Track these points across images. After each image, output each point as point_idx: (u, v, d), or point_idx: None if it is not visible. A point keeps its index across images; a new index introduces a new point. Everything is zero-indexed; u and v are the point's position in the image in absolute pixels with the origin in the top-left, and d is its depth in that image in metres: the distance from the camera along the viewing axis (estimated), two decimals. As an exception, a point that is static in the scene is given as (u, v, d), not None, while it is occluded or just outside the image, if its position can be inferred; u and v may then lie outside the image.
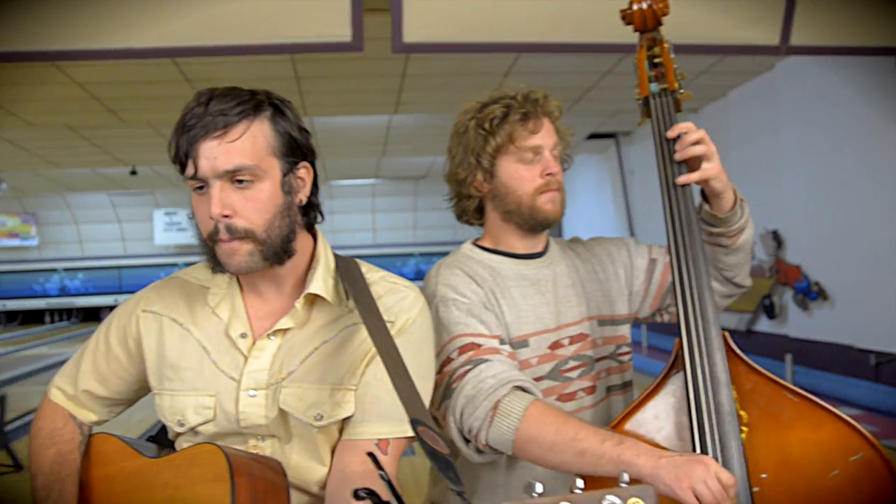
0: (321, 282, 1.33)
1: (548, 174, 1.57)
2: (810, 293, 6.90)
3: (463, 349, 1.49)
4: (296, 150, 1.28)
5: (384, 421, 1.29)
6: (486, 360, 1.47)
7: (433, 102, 7.67)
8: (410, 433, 1.26)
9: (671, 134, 1.52)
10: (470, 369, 1.46)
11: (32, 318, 16.66)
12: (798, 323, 7.15)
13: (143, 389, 1.45)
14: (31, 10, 2.75)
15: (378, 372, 1.28)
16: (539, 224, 1.61)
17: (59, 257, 16.34)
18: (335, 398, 1.31)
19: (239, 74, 6.13)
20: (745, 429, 1.35)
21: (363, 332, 1.30)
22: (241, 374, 1.32)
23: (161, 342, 1.37)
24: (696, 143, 1.48)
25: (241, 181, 1.23)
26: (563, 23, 2.92)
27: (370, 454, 1.07)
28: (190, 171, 1.22)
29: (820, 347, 6.78)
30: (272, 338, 1.33)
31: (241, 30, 2.66)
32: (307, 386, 1.31)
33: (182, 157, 1.23)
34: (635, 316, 1.73)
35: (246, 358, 1.33)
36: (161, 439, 1.48)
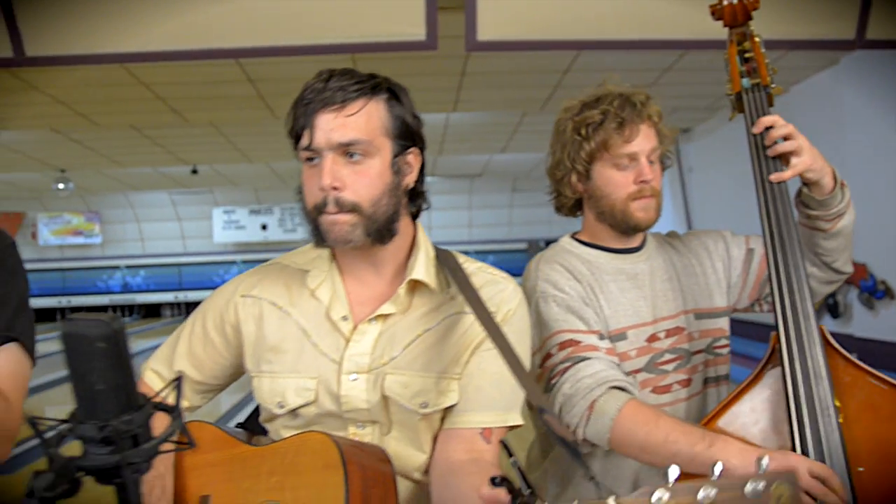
0: (423, 268, 1.35)
1: (641, 181, 1.59)
2: (876, 292, 6.72)
3: (563, 345, 1.52)
4: (408, 134, 1.32)
5: (488, 410, 1.31)
6: (585, 359, 1.49)
7: (491, 100, 7.67)
8: (513, 422, 1.32)
9: (756, 129, 1.52)
10: (569, 367, 1.49)
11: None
12: (863, 322, 6.97)
13: (235, 375, 1.48)
14: (100, 14, 2.82)
15: (482, 362, 1.31)
16: (630, 229, 1.64)
17: (122, 255, 16.72)
18: (440, 386, 1.33)
19: (301, 73, 6.13)
20: (842, 422, 1.35)
21: (466, 322, 1.33)
22: (343, 356, 1.34)
23: (261, 326, 1.39)
24: (785, 138, 1.47)
25: (352, 155, 1.26)
26: (627, 19, 2.89)
27: (502, 442, 1.11)
28: (305, 141, 1.26)
29: (886, 347, 6.60)
30: (373, 322, 1.35)
31: (310, 30, 2.70)
32: (412, 374, 1.32)
33: (298, 129, 1.27)
34: (734, 307, 1.73)
35: (347, 341, 1.35)
36: (251, 426, 1.50)
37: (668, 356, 1.62)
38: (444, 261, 1.39)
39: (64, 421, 0.67)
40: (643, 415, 1.42)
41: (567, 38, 2.70)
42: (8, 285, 1.38)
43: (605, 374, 1.47)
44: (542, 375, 1.54)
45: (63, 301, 16.32)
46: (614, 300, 1.61)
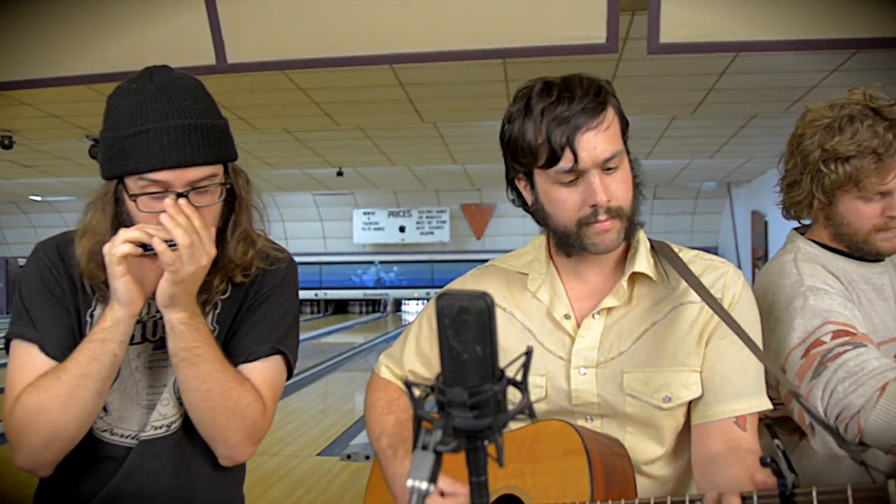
0: (644, 260, 1.37)
1: (888, 216, 1.49)
2: None
3: (837, 334, 1.42)
4: (626, 134, 1.35)
5: (739, 398, 1.30)
6: (865, 346, 1.39)
7: (640, 104, 7.50)
8: (765, 406, 1.31)
9: None
10: (849, 349, 1.38)
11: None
12: None
13: None
14: (262, 23, 2.94)
15: (721, 350, 1.31)
16: (870, 255, 1.55)
17: (268, 253, 17.48)
18: (680, 380, 1.33)
19: (449, 77, 6.29)
20: None
21: (692, 311, 1.34)
22: (570, 352, 1.37)
23: None
24: None
25: (609, 169, 1.28)
26: (793, 17, 2.75)
27: (767, 425, 1.16)
28: (567, 163, 1.26)
29: None
30: (597, 317, 1.37)
31: (475, 33, 2.71)
32: (651, 370, 1.34)
33: (557, 150, 1.26)
34: None
35: (573, 338, 1.37)
36: None
37: None
38: (661, 250, 1.40)
39: (431, 386, 0.74)
40: None
41: (744, 38, 2.59)
42: (289, 302, 1.51)
43: (891, 363, 1.37)
44: (807, 364, 1.43)
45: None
46: (865, 313, 1.52)
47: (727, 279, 1.36)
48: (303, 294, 16.83)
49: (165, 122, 1.27)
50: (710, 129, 8.97)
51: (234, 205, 1.44)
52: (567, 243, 1.34)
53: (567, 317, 1.39)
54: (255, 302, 1.48)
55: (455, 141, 9.76)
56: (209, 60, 2.52)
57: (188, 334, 1.31)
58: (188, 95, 1.31)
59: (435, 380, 0.74)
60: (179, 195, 1.29)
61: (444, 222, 16.40)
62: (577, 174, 1.28)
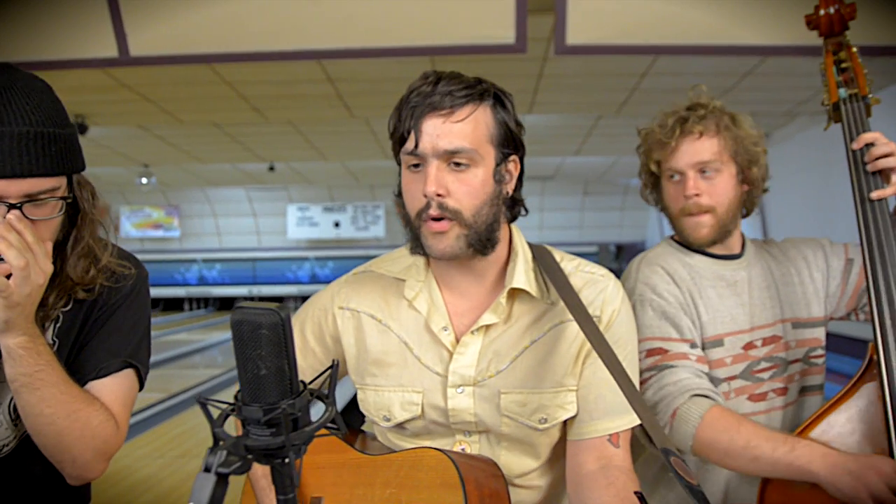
0: (523, 275, 1.32)
1: (686, 196, 1.62)
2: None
3: (651, 352, 1.53)
4: (510, 141, 1.29)
5: (612, 416, 1.30)
6: (671, 367, 1.50)
7: (567, 103, 7.63)
8: (637, 421, 1.30)
9: (856, 146, 1.50)
10: (654, 375, 1.51)
11: (173, 305, 17.52)
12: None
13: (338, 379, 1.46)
14: (187, 15, 2.90)
15: (597, 368, 1.30)
16: (692, 243, 1.67)
17: (199, 248, 17.20)
18: (557, 400, 1.31)
19: (379, 73, 6.28)
20: None
21: (572, 329, 1.31)
22: (447, 369, 1.32)
23: (361, 339, 1.38)
24: (886, 156, 1.46)
25: (458, 164, 1.23)
26: (710, 23, 2.84)
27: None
28: (410, 145, 1.23)
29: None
30: (476, 333, 1.32)
31: (393, 32, 2.72)
32: (528, 391, 1.31)
33: (404, 132, 1.24)
34: (831, 317, 1.72)
35: (451, 353, 1.33)
36: (350, 414, 1.51)
37: (764, 364, 1.61)
38: (542, 261, 1.35)
39: (230, 404, 0.71)
40: (725, 420, 1.42)
41: (654, 42, 2.67)
42: (138, 314, 1.44)
43: (689, 382, 1.48)
44: None
45: (142, 292, 16.86)
46: (713, 307, 1.61)
47: (606, 294, 1.34)
48: (237, 290, 16.86)
49: (0, 128, 1.17)
50: (636, 127, 9.15)
51: (76, 218, 1.35)
52: (415, 239, 1.28)
53: (445, 329, 1.33)
54: (101, 316, 1.41)
55: (388, 137, 9.74)
56: (111, 52, 2.48)
57: (28, 359, 1.23)
58: (30, 100, 1.21)
59: (234, 398, 0.72)
60: (12, 206, 1.20)
61: (380, 217, 16.35)
62: (419, 159, 1.24)
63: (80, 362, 1.38)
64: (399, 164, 1.31)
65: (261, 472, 1.37)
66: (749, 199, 1.67)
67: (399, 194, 1.31)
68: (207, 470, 0.68)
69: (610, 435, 1.30)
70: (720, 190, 1.59)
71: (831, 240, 1.75)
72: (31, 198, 1.22)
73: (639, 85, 6.68)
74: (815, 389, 1.67)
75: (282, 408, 0.68)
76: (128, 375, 1.40)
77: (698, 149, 1.58)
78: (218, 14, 2.93)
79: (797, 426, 1.46)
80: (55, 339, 1.38)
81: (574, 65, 6.16)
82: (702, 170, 1.58)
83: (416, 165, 1.25)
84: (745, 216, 1.68)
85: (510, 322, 1.33)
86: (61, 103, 1.28)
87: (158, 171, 12.43)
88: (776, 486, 1.39)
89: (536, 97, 7.25)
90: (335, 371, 0.74)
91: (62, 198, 1.27)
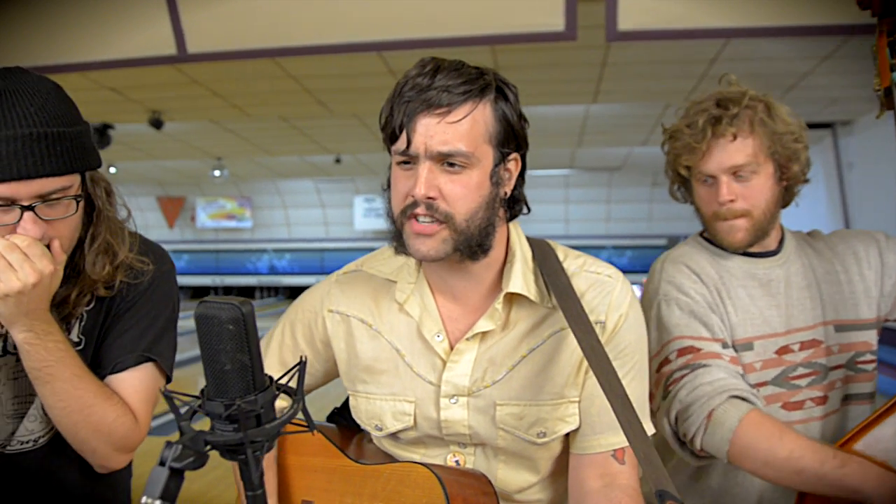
0: (521, 279, 1.23)
1: (719, 202, 1.53)
2: None
3: (682, 352, 1.45)
4: (511, 139, 1.20)
5: (616, 430, 1.17)
6: (705, 366, 1.41)
7: (633, 91, 7.49)
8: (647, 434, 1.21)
9: None
10: (687, 374, 1.42)
11: (245, 293, 17.76)
12: None
13: (329, 380, 1.42)
14: (250, 10, 2.95)
15: None
16: (724, 248, 1.59)
17: (270, 238, 17.55)
18: (557, 413, 1.23)
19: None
20: None
21: (573, 337, 1.20)
22: (441, 378, 1.24)
23: (351, 344, 1.32)
24: None
25: (452, 165, 1.14)
26: (779, 4, 2.74)
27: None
28: (401, 144, 1.14)
29: None
30: (471, 341, 1.24)
31: (449, 22, 2.72)
32: (526, 403, 1.23)
33: (396, 128, 1.15)
34: (886, 318, 1.58)
35: (444, 362, 1.25)
36: (341, 415, 1.47)
37: (801, 370, 1.50)
38: (543, 261, 1.26)
39: (195, 397, 0.70)
40: (766, 427, 1.33)
41: (712, 25, 2.59)
42: (158, 308, 1.44)
43: (726, 382, 1.39)
44: (658, 381, 1.47)
45: (217, 280, 17.33)
46: (742, 307, 1.51)
47: (613, 298, 1.23)
48: (306, 280, 17.13)
49: (4, 132, 1.17)
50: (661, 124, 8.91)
51: (93, 216, 1.36)
52: (398, 238, 1.19)
53: (438, 336, 1.25)
54: (119, 311, 1.41)
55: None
56: (171, 51, 2.54)
57: (34, 354, 1.25)
58: (34, 102, 1.20)
59: (200, 393, 0.71)
60: (26, 208, 1.21)
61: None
62: (410, 158, 1.14)
63: (99, 358, 1.41)
64: (390, 154, 1.22)
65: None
66: (788, 194, 1.56)
67: (388, 187, 1.23)
68: (162, 464, 0.68)
69: (614, 450, 1.21)
70: (756, 192, 1.49)
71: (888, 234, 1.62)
72: (43, 198, 1.23)
73: (707, 72, 6.51)
74: (863, 398, 1.54)
75: (237, 404, 0.67)
76: (147, 369, 1.40)
77: (731, 152, 1.47)
78: (274, 8, 2.98)
79: (840, 438, 1.35)
80: (81, 336, 1.40)
81: (638, 52, 6.04)
82: (736, 173, 1.48)
83: (406, 162, 1.16)
84: (784, 207, 1.57)
85: (507, 329, 1.24)
86: (71, 103, 1.28)
87: (230, 163, 12.71)
88: (814, 500, 1.30)
89: (601, 86, 7.14)
90: (303, 368, 0.72)
91: (74, 196, 1.27)
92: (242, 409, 0.67)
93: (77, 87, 6.48)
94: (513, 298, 1.24)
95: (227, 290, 18.47)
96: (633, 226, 15.70)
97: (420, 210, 1.14)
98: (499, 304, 1.22)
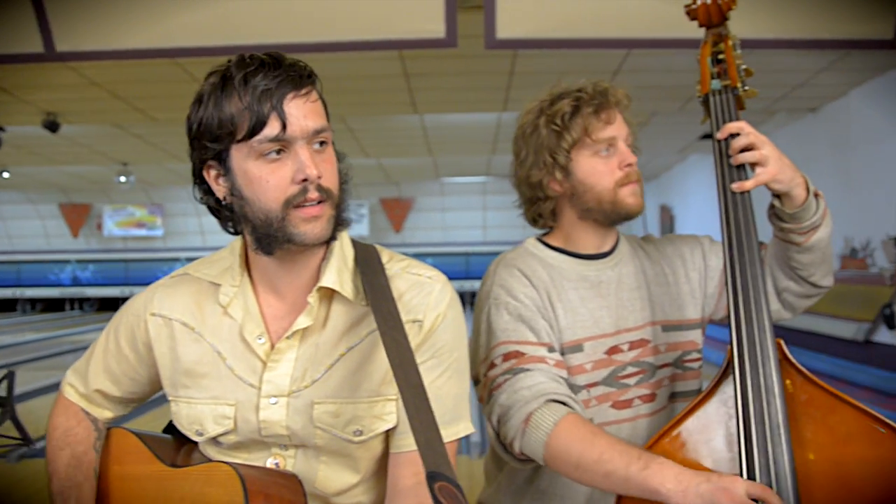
0: (335, 274, 1.23)
1: (626, 165, 1.51)
2: (936, 302, 6.45)
3: (507, 356, 1.45)
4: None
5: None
6: (527, 370, 1.42)
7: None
8: (463, 433, 1.24)
9: (720, 135, 1.44)
10: (509, 378, 1.42)
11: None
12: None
13: (156, 386, 1.39)
14: (152, 10, 2.89)
15: None
16: (622, 218, 1.55)
17: (183, 247, 17.15)
18: (374, 411, 1.23)
19: (347, 71, 6.25)
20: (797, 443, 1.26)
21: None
22: (261, 380, 1.24)
23: (173, 348, 1.30)
24: (748, 147, 1.39)
25: (322, 143, 1.16)
26: (674, 18, 2.84)
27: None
28: (273, 130, 1.12)
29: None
30: (291, 340, 1.24)
31: (338, 26, 2.72)
32: (342, 401, 1.22)
33: (263, 115, 1.12)
34: (709, 319, 1.63)
35: (264, 363, 1.24)
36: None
37: (630, 369, 1.52)
38: (365, 264, 1.27)
39: None
40: (579, 431, 1.32)
41: (595, 36, 2.66)
42: None
43: (545, 386, 1.39)
44: (484, 385, 1.47)
45: (126, 291, 16.83)
46: (572, 309, 1.52)
47: (432, 298, 1.25)
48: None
49: None
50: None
51: None
52: (269, 234, 1.17)
53: (260, 338, 1.24)
54: None
55: (365, 135, 9.74)
56: (36, 48, 2.46)
57: None
58: None
59: None
60: None
61: (364, 215, 16.35)
62: (283, 144, 1.13)
63: None
64: (202, 161, 1.22)
65: (56, 486, 1.31)
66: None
67: (233, 194, 1.21)
68: None
69: None
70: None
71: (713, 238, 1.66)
72: None
73: (611, 82, 6.67)
74: (690, 395, 1.57)
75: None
76: None
77: (622, 120, 1.55)
78: (176, 8, 2.93)
79: None
80: None
81: (544, 62, 6.16)
82: (626, 140, 1.55)
83: (277, 152, 1.14)
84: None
85: (328, 326, 1.24)
86: None
87: (139, 169, 12.38)
88: (630, 502, 1.29)
89: (510, 94, 7.25)
90: (12, 380, 0.69)
91: None
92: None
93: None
94: (332, 295, 1.25)
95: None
96: (550, 232, 15.95)
97: (312, 194, 1.14)
98: (312, 297, 1.22)
